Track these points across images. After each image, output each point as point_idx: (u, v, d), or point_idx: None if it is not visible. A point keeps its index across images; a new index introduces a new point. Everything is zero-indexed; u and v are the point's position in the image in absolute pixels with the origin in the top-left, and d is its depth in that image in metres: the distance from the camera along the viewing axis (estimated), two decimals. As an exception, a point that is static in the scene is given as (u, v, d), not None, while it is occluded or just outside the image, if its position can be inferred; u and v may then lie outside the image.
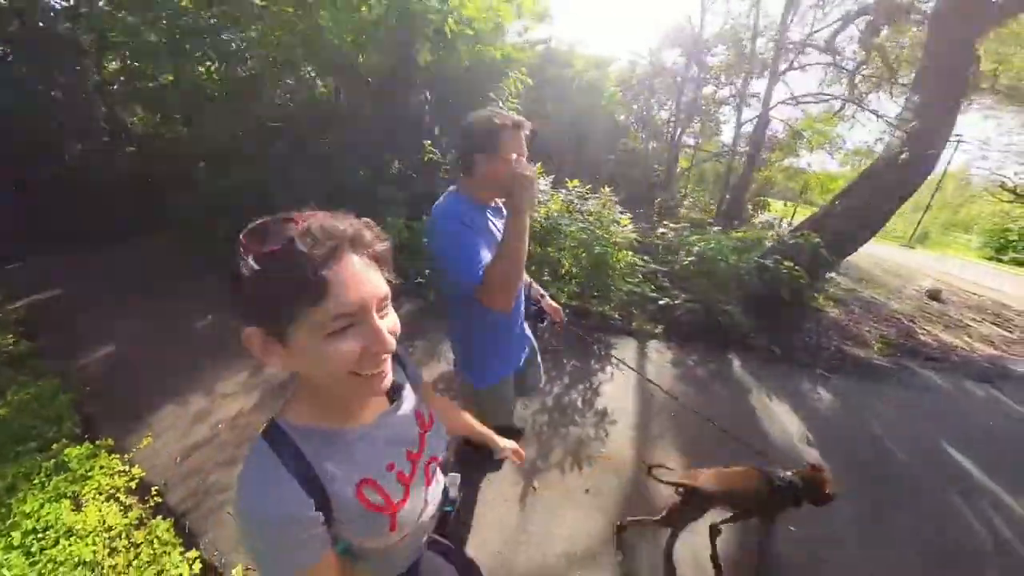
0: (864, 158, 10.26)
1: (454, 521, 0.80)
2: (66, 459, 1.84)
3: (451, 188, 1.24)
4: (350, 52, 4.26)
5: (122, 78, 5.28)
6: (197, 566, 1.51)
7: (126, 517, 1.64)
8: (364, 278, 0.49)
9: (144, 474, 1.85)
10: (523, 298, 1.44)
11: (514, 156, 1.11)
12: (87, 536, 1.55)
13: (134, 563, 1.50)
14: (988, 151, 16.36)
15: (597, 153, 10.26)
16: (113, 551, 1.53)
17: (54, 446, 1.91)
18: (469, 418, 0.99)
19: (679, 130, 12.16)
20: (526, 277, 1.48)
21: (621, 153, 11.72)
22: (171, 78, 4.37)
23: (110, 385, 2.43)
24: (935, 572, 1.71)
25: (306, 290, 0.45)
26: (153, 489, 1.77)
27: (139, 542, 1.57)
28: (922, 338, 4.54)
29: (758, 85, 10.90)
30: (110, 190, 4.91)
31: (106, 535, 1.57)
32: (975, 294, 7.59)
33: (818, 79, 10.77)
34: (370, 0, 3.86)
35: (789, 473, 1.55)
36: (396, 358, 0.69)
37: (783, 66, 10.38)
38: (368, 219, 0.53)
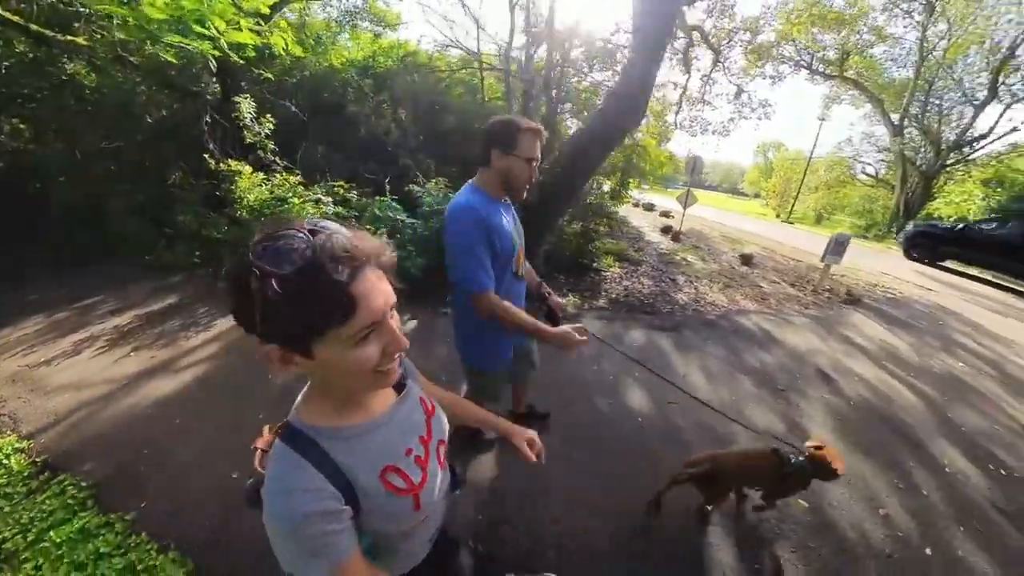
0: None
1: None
2: None
3: (470, 181, 1.32)
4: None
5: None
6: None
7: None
8: (382, 289, 0.52)
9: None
10: (523, 292, 1.52)
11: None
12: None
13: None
14: (852, 138, 18.44)
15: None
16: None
17: None
18: (482, 410, 1.00)
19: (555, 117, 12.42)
20: (533, 275, 1.60)
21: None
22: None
23: None
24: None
25: (335, 312, 0.46)
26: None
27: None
28: (672, 295, 5.02)
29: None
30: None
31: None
32: (798, 260, 8.27)
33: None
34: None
35: (801, 457, 1.63)
36: None
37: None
38: (366, 231, 0.55)
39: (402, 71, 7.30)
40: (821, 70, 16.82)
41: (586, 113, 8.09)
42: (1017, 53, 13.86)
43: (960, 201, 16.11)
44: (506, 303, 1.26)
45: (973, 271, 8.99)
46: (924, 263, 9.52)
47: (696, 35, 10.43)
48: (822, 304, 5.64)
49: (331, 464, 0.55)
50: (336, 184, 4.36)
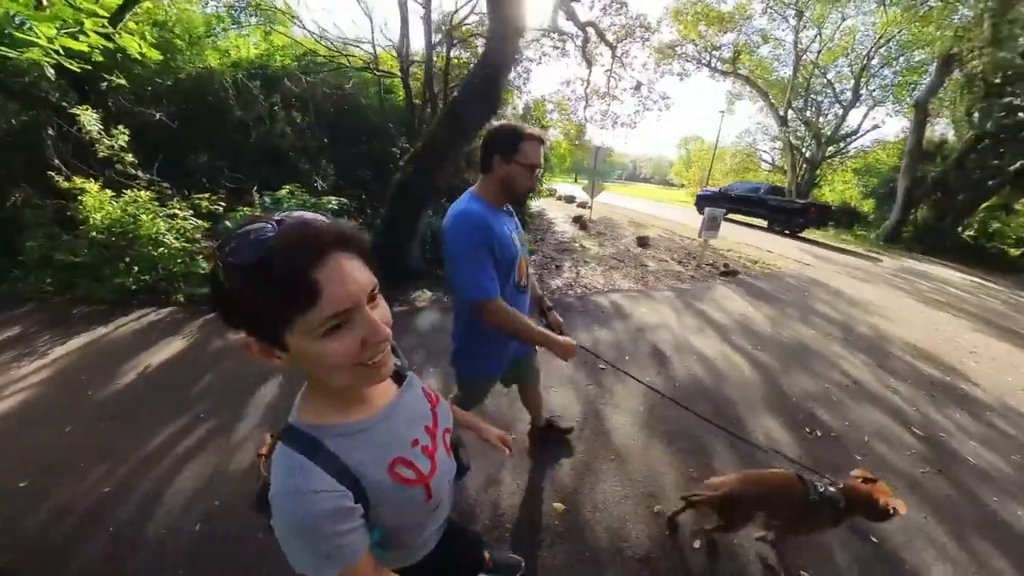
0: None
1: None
2: None
3: (470, 188, 1.28)
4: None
5: None
6: None
7: None
8: (352, 274, 0.48)
9: None
10: (527, 306, 1.46)
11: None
12: None
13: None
14: (750, 129, 20.32)
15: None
16: None
17: None
18: (458, 409, 0.99)
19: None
20: (535, 287, 1.57)
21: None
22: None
23: None
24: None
25: (297, 298, 0.44)
26: None
27: None
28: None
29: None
30: None
31: None
32: (692, 239, 8.78)
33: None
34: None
35: (832, 488, 1.40)
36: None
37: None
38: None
39: (300, 71, 6.86)
40: (719, 68, 17.97)
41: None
42: (872, 63, 16.10)
43: (842, 189, 18.10)
44: (513, 310, 1.24)
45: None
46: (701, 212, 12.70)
47: (591, 31, 10.66)
48: (698, 279, 5.70)
49: (337, 462, 0.53)
50: (199, 197, 4.14)
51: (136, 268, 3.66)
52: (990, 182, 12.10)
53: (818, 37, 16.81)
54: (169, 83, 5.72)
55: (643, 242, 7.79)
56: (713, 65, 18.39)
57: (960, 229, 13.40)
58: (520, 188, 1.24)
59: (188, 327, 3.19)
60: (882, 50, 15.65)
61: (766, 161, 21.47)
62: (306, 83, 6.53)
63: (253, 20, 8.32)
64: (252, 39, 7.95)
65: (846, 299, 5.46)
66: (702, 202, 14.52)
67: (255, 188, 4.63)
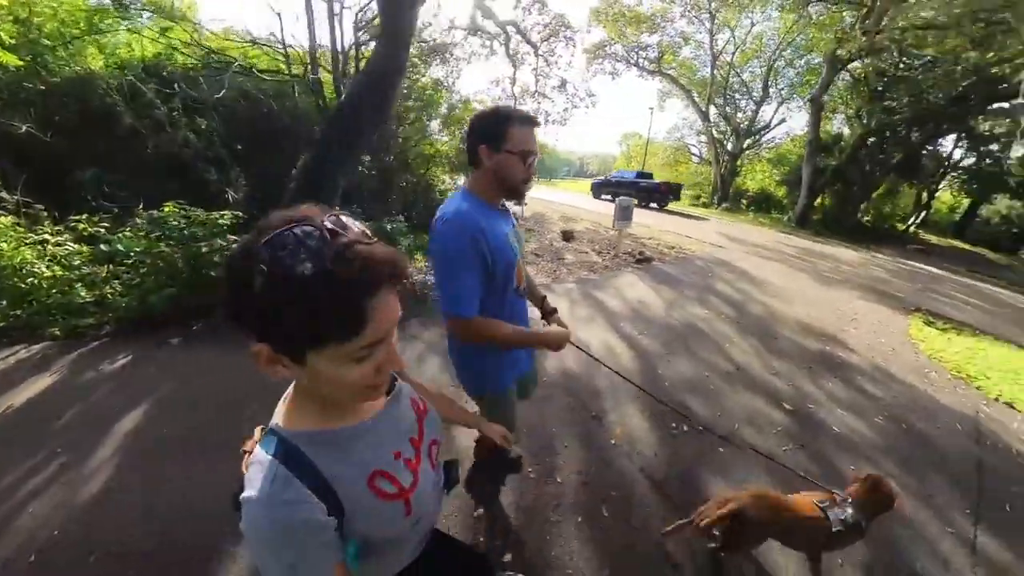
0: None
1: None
2: None
3: (463, 185, 1.20)
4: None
5: None
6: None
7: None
8: (393, 306, 0.48)
9: None
10: (526, 311, 1.35)
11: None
12: None
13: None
14: (678, 124, 21.48)
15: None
16: None
17: None
18: (457, 405, 0.99)
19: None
20: (535, 289, 1.49)
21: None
22: None
23: None
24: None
25: (346, 326, 0.43)
26: None
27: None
28: None
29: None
30: None
31: None
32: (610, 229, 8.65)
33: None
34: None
35: (850, 510, 1.32)
36: None
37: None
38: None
39: (208, 72, 6.13)
40: (646, 67, 18.70)
41: (429, 111, 8.03)
42: (778, 64, 17.57)
43: (761, 178, 19.48)
44: (493, 321, 1.11)
45: (608, 196, 15.38)
46: (599, 199, 16.56)
47: (512, 30, 10.71)
48: (612, 268, 5.61)
49: (314, 473, 0.50)
50: (75, 218, 3.64)
51: (3, 303, 3.08)
52: (877, 172, 13.68)
53: (732, 40, 18.06)
54: (41, 88, 4.80)
55: (568, 236, 7.70)
56: (640, 65, 19.15)
57: (859, 214, 15.04)
58: (514, 180, 1.10)
59: (59, 362, 2.72)
60: (786, 52, 17.09)
61: (694, 154, 22.76)
62: (207, 85, 5.78)
63: (146, 16, 7.36)
64: (149, 36, 6.99)
65: (748, 279, 5.64)
66: (595, 189, 17.70)
67: (140, 205, 4.04)
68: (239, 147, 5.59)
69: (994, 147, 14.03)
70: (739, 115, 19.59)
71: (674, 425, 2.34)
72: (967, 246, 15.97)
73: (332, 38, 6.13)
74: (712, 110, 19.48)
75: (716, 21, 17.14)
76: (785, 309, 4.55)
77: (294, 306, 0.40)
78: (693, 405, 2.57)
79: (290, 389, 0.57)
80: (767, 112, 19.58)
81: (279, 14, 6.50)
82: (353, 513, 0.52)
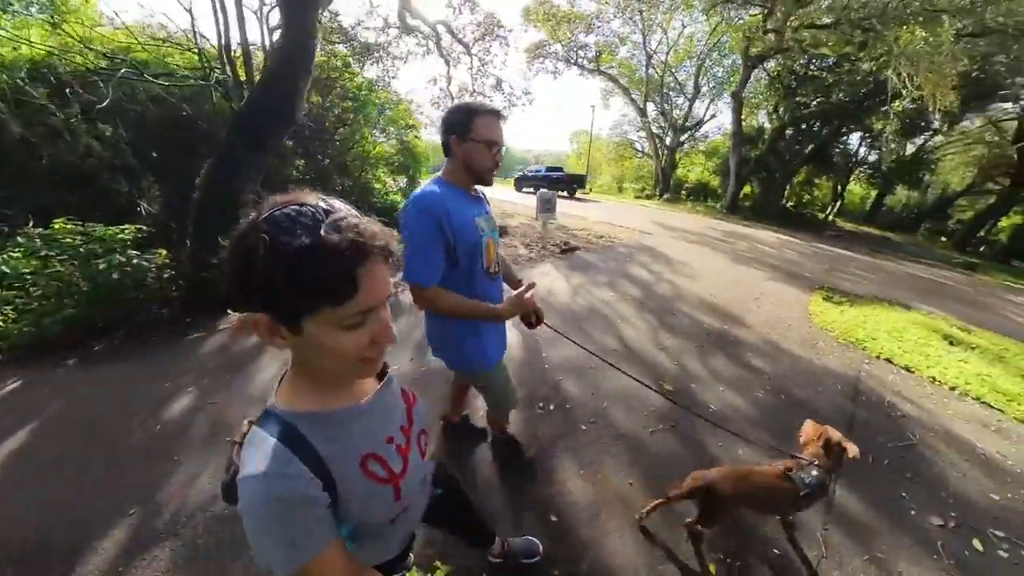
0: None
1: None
2: None
3: (438, 172, 1.27)
4: None
5: None
6: None
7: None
8: (383, 278, 0.50)
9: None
10: (500, 293, 1.38)
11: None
12: None
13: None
14: (619, 121, 22.20)
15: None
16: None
17: None
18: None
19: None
20: (511, 272, 1.53)
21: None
22: None
23: None
24: None
25: (336, 291, 0.46)
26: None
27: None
28: None
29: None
30: None
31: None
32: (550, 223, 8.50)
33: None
34: None
35: (814, 472, 1.43)
36: None
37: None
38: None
39: (107, 73, 5.24)
40: (586, 66, 19.05)
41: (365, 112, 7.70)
42: (708, 64, 18.52)
43: (700, 170, 20.45)
44: (451, 294, 1.20)
45: (530, 189, 16.12)
46: (520, 192, 17.56)
47: (442, 29, 10.74)
48: (535, 259, 5.46)
49: (310, 450, 0.52)
50: None
51: None
52: (795, 162, 14.76)
53: (665, 40, 18.86)
54: None
55: (501, 231, 7.55)
56: (580, 64, 19.50)
57: (783, 200, 16.17)
58: (481, 166, 1.20)
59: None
60: (714, 52, 18.07)
61: (637, 149, 23.60)
62: (111, 89, 4.93)
63: (34, 10, 6.20)
64: (37, 31, 5.84)
65: (665, 262, 5.69)
66: (517, 183, 18.88)
67: (30, 223, 3.47)
68: (154, 155, 5.07)
69: (892, 144, 15.67)
70: (675, 111, 20.52)
71: (540, 405, 2.22)
72: (876, 230, 17.62)
73: (243, 38, 5.37)
74: (651, 107, 20.28)
75: (647, 23, 17.79)
76: (693, 288, 4.58)
77: (291, 272, 0.44)
78: (567, 386, 2.43)
79: (287, 371, 0.59)
80: (700, 108, 20.68)
81: (189, 10, 5.57)
82: (346, 494, 0.54)
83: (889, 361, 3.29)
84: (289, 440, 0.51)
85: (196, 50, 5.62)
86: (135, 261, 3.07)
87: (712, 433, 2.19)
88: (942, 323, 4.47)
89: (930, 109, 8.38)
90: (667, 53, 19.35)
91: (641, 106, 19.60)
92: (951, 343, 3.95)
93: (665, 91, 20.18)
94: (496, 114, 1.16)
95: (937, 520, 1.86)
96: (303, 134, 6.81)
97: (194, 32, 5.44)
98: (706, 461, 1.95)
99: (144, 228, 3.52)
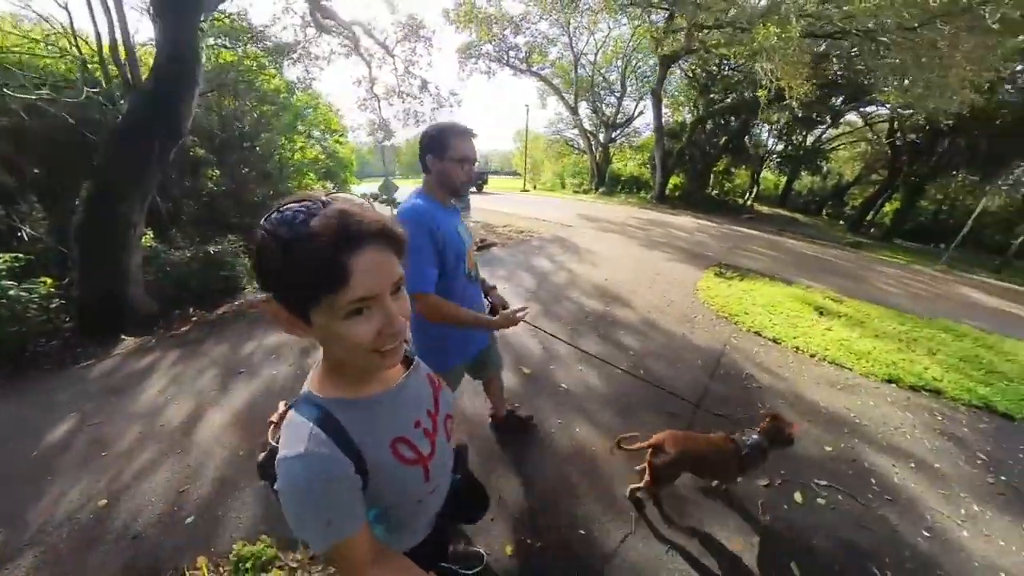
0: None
1: None
2: None
3: (417, 187, 1.38)
4: None
5: None
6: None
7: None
8: (381, 266, 0.50)
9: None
10: (480, 294, 1.55)
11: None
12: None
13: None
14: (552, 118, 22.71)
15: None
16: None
17: None
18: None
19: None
20: (482, 277, 1.62)
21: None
22: None
23: None
24: None
25: (325, 279, 0.46)
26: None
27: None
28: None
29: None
30: None
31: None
32: (475, 221, 8.35)
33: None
34: None
35: (755, 436, 1.60)
36: None
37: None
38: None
39: None
40: (518, 67, 19.10)
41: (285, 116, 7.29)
42: (633, 63, 19.13)
43: (635, 164, 21.28)
44: (449, 302, 1.30)
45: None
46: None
47: (359, 30, 10.25)
48: None
49: (343, 433, 0.54)
50: None
51: None
52: (713, 153, 15.84)
53: (592, 42, 19.41)
54: None
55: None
56: (512, 64, 19.55)
57: (707, 188, 17.30)
58: (455, 182, 1.30)
59: None
60: (637, 53, 18.87)
61: (573, 146, 24.20)
62: None
63: None
64: None
65: (573, 251, 5.74)
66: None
67: None
68: (36, 172, 4.36)
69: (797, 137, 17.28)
70: (607, 109, 21.26)
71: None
72: (787, 212, 19.38)
73: (126, 37, 4.33)
74: (585, 105, 20.82)
75: (567, 24, 18.23)
76: (591, 275, 4.60)
77: (286, 263, 0.45)
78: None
79: (319, 361, 0.61)
80: (630, 106, 21.56)
81: (65, 6, 4.42)
82: (377, 476, 0.56)
83: (758, 334, 3.44)
84: (325, 423, 0.53)
85: (77, 52, 4.75)
86: (12, 293, 2.74)
87: (553, 408, 2.12)
88: (817, 295, 4.82)
89: (790, 98, 9.28)
90: (596, 53, 20.02)
91: (572, 105, 20.07)
92: (821, 313, 4.25)
93: (596, 90, 20.84)
94: (469, 133, 1.29)
95: (763, 481, 1.89)
96: (214, 143, 6.23)
97: (73, 32, 4.50)
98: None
99: (21, 256, 3.08)
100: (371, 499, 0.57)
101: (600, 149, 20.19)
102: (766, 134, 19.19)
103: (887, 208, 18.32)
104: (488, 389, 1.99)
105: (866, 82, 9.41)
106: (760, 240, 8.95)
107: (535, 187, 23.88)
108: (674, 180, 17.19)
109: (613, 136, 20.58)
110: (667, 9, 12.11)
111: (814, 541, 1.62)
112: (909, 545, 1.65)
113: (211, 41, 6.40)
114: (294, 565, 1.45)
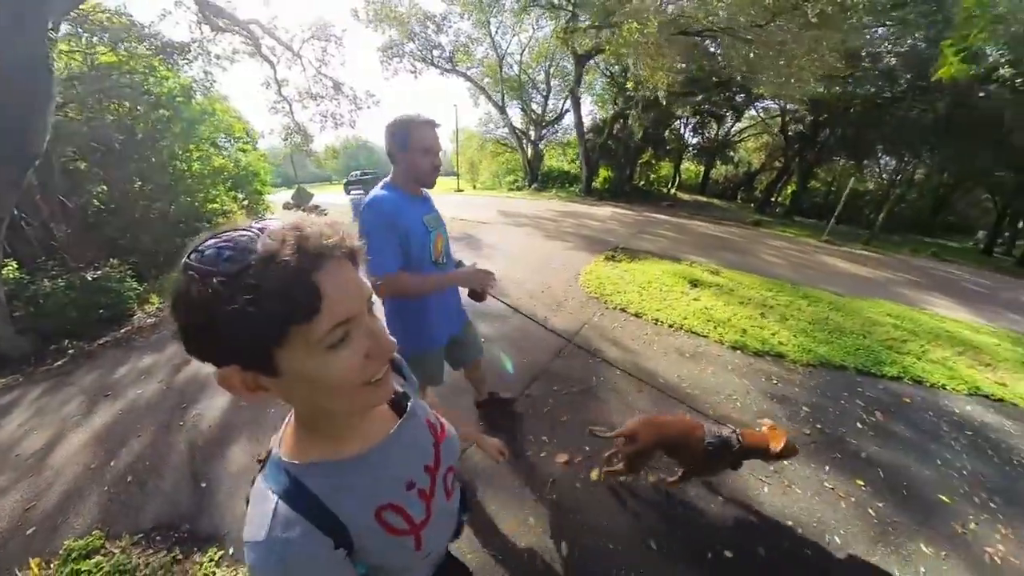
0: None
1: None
2: None
3: (385, 179, 1.40)
4: None
5: None
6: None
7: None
8: (353, 281, 0.43)
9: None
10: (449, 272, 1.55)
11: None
12: None
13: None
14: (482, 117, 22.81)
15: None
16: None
17: None
18: (454, 417, 0.91)
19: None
20: (455, 255, 1.69)
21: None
22: None
23: None
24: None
25: (297, 306, 0.38)
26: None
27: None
28: None
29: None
30: None
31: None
32: None
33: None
34: None
35: (727, 432, 1.54)
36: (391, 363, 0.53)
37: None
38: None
39: None
40: (443, 66, 18.87)
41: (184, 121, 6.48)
42: (556, 63, 19.58)
43: (568, 161, 21.83)
44: (411, 275, 1.34)
45: (359, 190, 14.53)
46: (349, 194, 15.88)
47: (257, 29, 9.82)
48: None
49: (318, 506, 0.47)
50: None
51: None
52: (633, 146, 16.69)
53: (516, 41, 19.67)
54: None
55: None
56: (437, 64, 19.28)
57: (632, 180, 18.21)
58: (422, 171, 1.34)
59: None
60: (558, 52, 19.38)
61: (507, 145, 24.45)
62: None
63: None
64: None
65: (474, 246, 5.79)
66: (346, 186, 19.54)
67: None
68: None
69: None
70: (536, 108, 21.66)
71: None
72: (705, 199, 20.97)
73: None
74: (515, 104, 21.03)
75: (483, 24, 18.39)
76: (481, 266, 4.56)
77: (238, 302, 0.35)
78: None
79: (289, 416, 0.53)
80: (559, 104, 22.11)
81: None
82: (361, 544, 0.50)
83: (623, 310, 3.58)
84: (293, 497, 0.46)
85: None
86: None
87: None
88: (696, 270, 5.15)
89: (653, 89, 9.91)
90: (522, 53, 20.32)
91: (501, 104, 20.23)
92: (694, 285, 4.52)
93: (526, 88, 21.15)
94: (431, 124, 1.31)
95: (563, 458, 1.91)
96: (95, 155, 5.49)
97: None
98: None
99: None
100: (357, 559, 0.51)
101: (531, 147, 20.54)
102: (683, 128, 20.63)
103: (787, 191, 20.44)
104: (470, 375, 2.06)
105: (739, 77, 10.32)
106: (668, 224, 9.52)
107: (474, 186, 23.77)
108: (604, 173, 17.91)
109: (543, 134, 21.03)
110: (570, 11, 12.56)
111: (597, 518, 1.62)
112: (702, 512, 1.67)
113: (84, 41, 5.68)
114: (116, 551, 1.56)
